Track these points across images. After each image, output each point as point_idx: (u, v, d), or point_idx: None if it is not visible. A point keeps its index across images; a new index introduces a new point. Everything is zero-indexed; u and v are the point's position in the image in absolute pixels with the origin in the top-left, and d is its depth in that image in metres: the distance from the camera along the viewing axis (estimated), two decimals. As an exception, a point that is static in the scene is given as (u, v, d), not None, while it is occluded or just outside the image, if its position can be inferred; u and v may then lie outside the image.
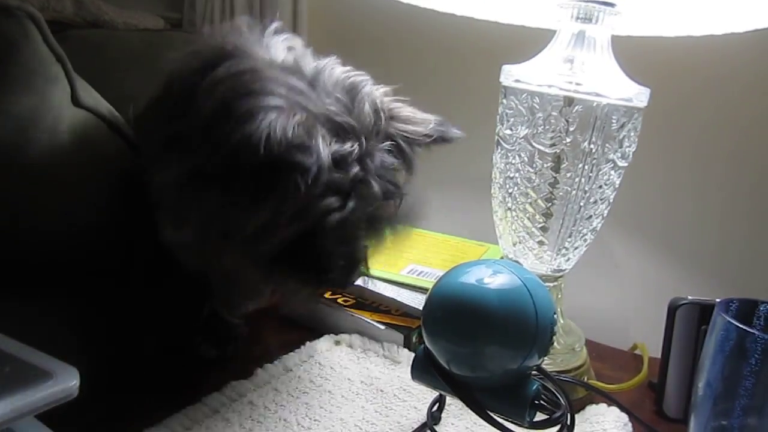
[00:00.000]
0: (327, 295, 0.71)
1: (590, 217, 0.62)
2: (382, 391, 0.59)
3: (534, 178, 0.60)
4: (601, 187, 0.61)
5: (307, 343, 0.65)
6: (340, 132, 0.43)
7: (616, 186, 0.62)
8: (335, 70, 0.47)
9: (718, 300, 0.45)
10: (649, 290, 0.88)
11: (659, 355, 0.63)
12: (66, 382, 0.36)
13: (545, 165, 0.60)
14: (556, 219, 0.61)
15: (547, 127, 0.58)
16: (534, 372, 0.46)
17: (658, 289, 0.83)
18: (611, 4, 0.59)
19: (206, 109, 0.43)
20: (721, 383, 0.42)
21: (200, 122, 0.43)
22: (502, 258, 0.69)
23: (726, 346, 0.42)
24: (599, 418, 0.57)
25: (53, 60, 0.51)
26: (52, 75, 0.51)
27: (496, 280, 0.45)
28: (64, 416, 0.36)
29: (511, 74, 0.61)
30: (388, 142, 0.47)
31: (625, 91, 0.58)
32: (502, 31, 0.74)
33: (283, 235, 0.44)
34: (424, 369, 0.48)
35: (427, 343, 0.47)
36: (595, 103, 0.57)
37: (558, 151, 0.59)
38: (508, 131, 0.61)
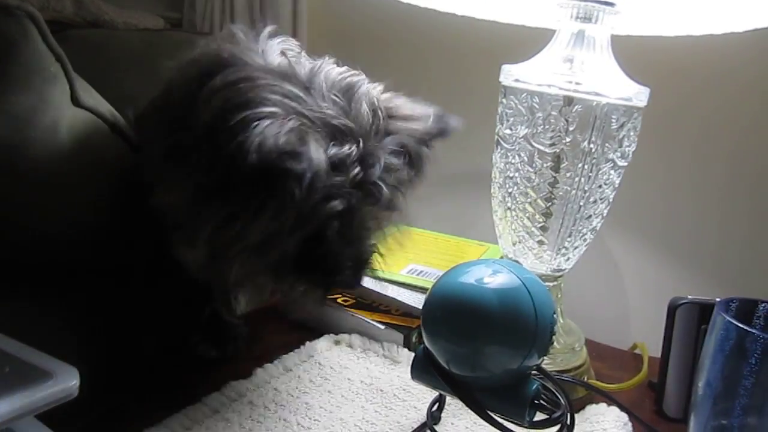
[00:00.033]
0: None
1: (590, 216, 0.62)
2: (382, 390, 0.59)
3: (534, 177, 0.60)
4: (600, 186, 0.61)
5: (307, 343, 0.65)
6: (337, 135, 0.43)
7: (616, 185, 0.62)
8: (331, 71, 0.47)
9: (718, 299, 0.45)
10: (649, 290, 0.88)
11: (659, 355, 0.63)
12: (66, 382, 0.36)
13: (545, 164, 0.60)
14: (555, 218, 0.61)
15: (547, 126, 0.58)
16: (534, 372, 0.46)
17: (658, 289, 0.83)
18: (611, 4, 0.59)
19: (203, 121, 0.43)
20: (721, 383, 0.42)
21: (198, 134, 0.43)
22: (501, 258, 0.69)
23: (726, 346, 0.42)
24: (599, 418, 0.57)
25: (52, 60, 0.51)
26: (51, 75, 0.51)
27: (495, 279, 0.45)
28: (64, 416, 0.36)
29: (510, 74, 0.61)
30: (391, 139, 0.47)
31: (625, 91, 0.58)
32: (502, 30, 0.74)
33: (288, 242, 0.44)
34: (424, 369, 0.48)
35: (426, 343, 0.47)
36: (594, 103, 0.57)
37: (558, 150, 0.59)
38: (508, 131, 0.61)
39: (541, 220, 0.62)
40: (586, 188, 0.60)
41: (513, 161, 0.62)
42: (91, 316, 0.54)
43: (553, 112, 0.58)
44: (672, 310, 0.62)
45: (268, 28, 0.51)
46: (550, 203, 0.61)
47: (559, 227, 0.61)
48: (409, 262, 0.79)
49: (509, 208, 0.63)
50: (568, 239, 0.62)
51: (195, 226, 0.45)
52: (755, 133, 0.80)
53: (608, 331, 0.80)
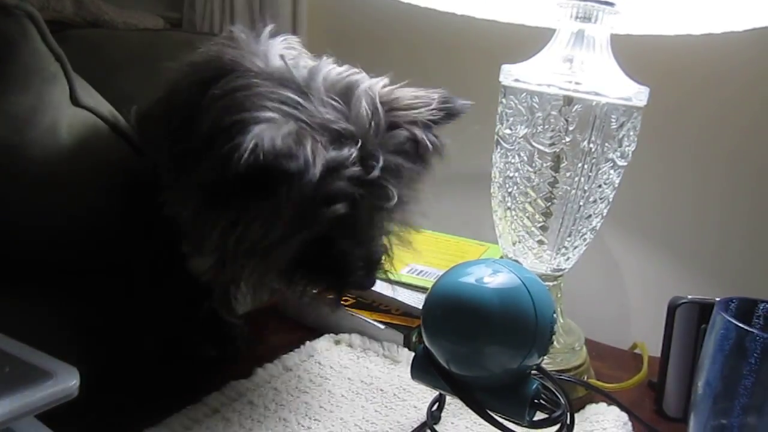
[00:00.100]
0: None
1: (590, 216, 0.62)
2: (381, 390, 0.59)
3: (533, 177, 0.60)
4: (600, 186, 0.61)
5: (307, 342, 0.65)
6: (337, 138, 0.43)
7: (616, 185, 0.62)
8: (330, 72, 0.47)
9: (717, 299, 0.45)
10: (649, 289, 0.88)
11: (659, 354, 0.63)
12: (66, 382, 0.36)
13: (545, 164, 0.60)
14: (555, 218, 0.61)
15: (547, 126, 0.58)
16: (534, 371, 0.46)
17: (657, 289, 0.83)
18: (610, 4, 0.59)
19: (204, 130, 0.44)
20: (720, 382, 0.42)
21: (201, 144, 0.44)
22: (501, 257, 0.69)
23: (725, 345, 0.42)
24: (599, 417, 0.57)
25: (52, 59, 0.51)
26: (50, 74, 0.51)
27: (495, 279, 0.45)
28: (64, 416, 0.36)
29: (510, 73, 0.61)
30: (393, 134, 0.46)
31: (625, 90, 0.58)
32: (501, 30, 0.74)
33: (293, 245, 0.44)
34: (424, 368, 0.48)
35: (426, 343, 0.47)
36: (594, 102, 0.57)
37: (557, 150, 0.59)
38: (508, 131, 0.61)
39: (541, 219, 0.62)
40: (585, 188, 0.60)
41: (513, 161, 0.62)
42: (91, 316, 0.54)
43: (553, 112, 0.58)
44: (672, 309, 0.62)
45: (269, 28, 0.51)
46: (549, 203, 0.61)
47: (558, 227, 0.61)
48: (408, 262, 0.79)
49: (509, 208, 0.63)
50: (568, 239, 0.62)
51: (203, 234, 0.46)
52: (755, 133, 0.80)
53: (608, 330, 0.80)
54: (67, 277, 0.53)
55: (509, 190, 0.63)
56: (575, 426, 0.47)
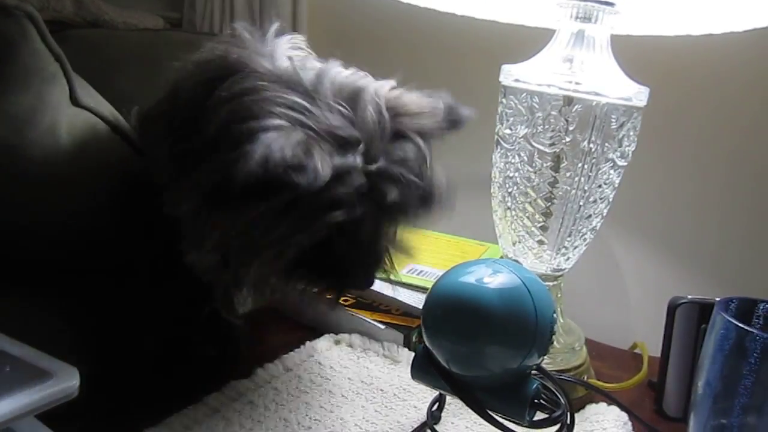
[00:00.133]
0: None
1: (590, 216, 0.62)
2: (382, 390, 0.59)
3: (533, 177, 0.60)
4: (600, 186, 0.61)
5: (307, 342, 0.65)
6: (342, 145, 0.43)
7: (616, 185, 0.63)
8: (337, 76, 0.47)
9: (717, 299, 0.45)
10: (649, 289, 0.88)
11: (659, 354, 0.63)
12: (66, 382, 0.36)
13: (545, 164, 0.60)
14: (555, 218, 0.61)
15: (547, 126, 0.58)
16: (534, 371, 0.46)
17: (657, 288, 0.83)
18: (610, 4, 0.59)
19: (210, 132, 0.44)
20: (720, 382, 0.42)
21: (205, 145, 0.44)
22: (501, 257, 0.69)
23: (725, 345, 0.42)
24: (599, 417, 0.57)
25: (51, 59, 0.51)
26: (50, 74, 0.51)
27: (495, 279, 0.45)
28: (64, 416, 0.36)
29: (510, 74, 0.61)
30: (399, 143, 0.46)
31: (625, 91, 0.58)
32: (501, 30, 0.74)
33: (294, 247, 0.44)
34: (424, 368, 0.48)
35: (426, 343, 0.47)
36: (594, 103, 0.57)
37: (557, 150, 0.59)
38: (508, 131, 0.61)
39: (541, 219, 0.62)
40: (585, 188, 0.60)
41: (513, 161, 0.62)
42: (91, 316, 0.54)
43: (553, 112, 0.58)
44: (672, 309, 0.62)
45: (274, 27, 0.50)
46: (549, 203, 0.61)
47: (558, 227, 0.61)
48: (409, 262, 0.79)
49: (509, 208, 0.63)
50: (568, 239, 0.62)
51: (203, 234, 0.46)
52: (755, 133, 0.80)
53: (608, 330, 0.80)
54: (67, 277, 0.53)
55: (509, 190, 0.63)
56: (575, 426, 0.47)
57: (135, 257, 0.55)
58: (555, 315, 0.45)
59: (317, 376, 0.60)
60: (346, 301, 0.71)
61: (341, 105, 0.45)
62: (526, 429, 0.45)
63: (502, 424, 0.44)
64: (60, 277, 0.53)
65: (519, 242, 0.64)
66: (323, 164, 0.41)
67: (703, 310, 0.60)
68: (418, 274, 0.77)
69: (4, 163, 0.48)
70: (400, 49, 0.98)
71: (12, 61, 0.49)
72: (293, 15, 1.04)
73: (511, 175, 0.62)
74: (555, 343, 0.59)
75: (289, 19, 1.03)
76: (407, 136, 0.47)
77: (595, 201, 0.61)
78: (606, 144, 0.59)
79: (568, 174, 0.59)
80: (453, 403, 0.55)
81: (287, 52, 0.49)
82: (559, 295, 0.66)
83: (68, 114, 0.52)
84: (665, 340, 0.62)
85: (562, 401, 0.46)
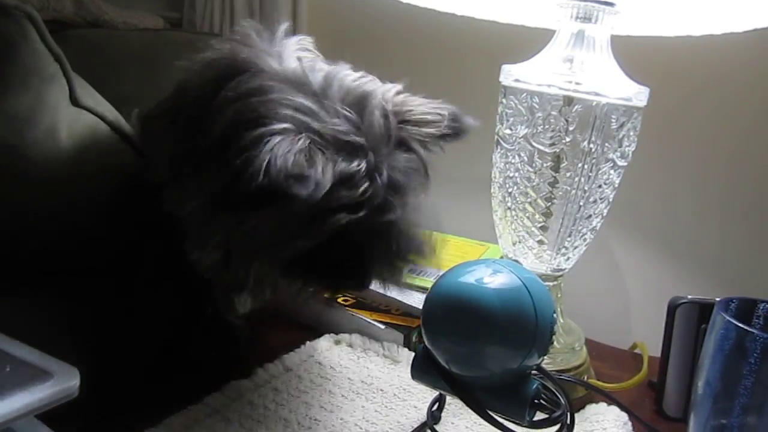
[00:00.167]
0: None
1: (590, 216, 0.62)
2: (382, 390, 0.59)
3: (533, 177, 0.60)
4: (600, 186, 0.61)
5: (307, 342, 0.65)
6: (348, 150, 0.43)
7: (616, 185, 0.63)
8: (345, 79, 0.47)
9: (717, 299, 0.45)
10: (649, 289, 0.88)
11: (659, 354, 0.63)
12: (66, 382, 0.36)
13: (545, 164, 0.60)
14: (555, 218, 0.61)
15: (547, 126, 0.58)
16: (534, 371, 0.46)
17: (657, 288, 0.83)
18: (611, 4, 0.59)
19: (215, 132, 0.44)
20: (720, 382, 0.42)
21: (210, 145, 0.44)
22: (501, 257, 0.69)
23: (725, 345, 0.42)
24: (599, 417, 0.57)
25: (51, 59, 0.51)
26: (49, 74, 0.51)
27: (495, 279, 0.45)
28: (64, 416, 0.36)
29: (510, 74, 0.61)
30: (403, 154, 0.47)
31: (625, 91, 0.58)
32: (502, 30, 0.74)
33: (296, 249, 0.45)
34: (424, 368, 0.48)
35: (426, 343, 0.47)
36: (594, 103, 0.57)
37: (557, 150, 0.59)
38: (508, 131, 0.61)
39: (541, 219, 0.62)
40: (586, 188, 0.60)
41: (513, 161, 0.62)
42: (91, 316, 0.54)
43: (553, 112, 0.58)
44: (672, 309, 0.62)
45: (284, 27, 0.50)
46: (550, 203, 0.61)
47: (559, 227, 0.61)
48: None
49: (509, 208, 0.63)
50: (568, 239, 0.62)
51: (206, 233, 0.46)
52: (755, 133, 0.80)
53: (608, 330, 0.80)
54: (67, 277, 0.53)
55: (509, 190, 0.63)
56: (575, 426, 0.47)
57: (135, 257, 0.55)
58: (555, 315, 0.45)
59: (317, 376, 0.60)
60: (346, 301, 0.71)
61: (348, 110, 0.45)
62: (526, 429, 0.45)
63: (502, 424, 0.44)
64: (60, 277, 0.53)
65: (519, 242, 0.64)
66: (325, 172, 0.41)
67: (703, 310, 0.60)
68: (418, 274, 0.77)
69: (4, 163, 0.48)
70: (400, 49, 0.98)
71: (11, 61, 0.49)
72: (293, 15, 1.04)
73: (511, 175, 0.62)
74: (555, 343, 0.59)
75: (289, 19, 1.03)
76: (411, 146, 0.47)
77: (595, 201, 0.61)
78: (606, 144, 0.59)
79: (568, 174, 0.59)
80: (453, 404, 0.55)
81: (295, 53, 0.49)
82: (559, 295, 0.66)
83: (68, 114, 0.52)
84: (665, 340, 0.62)
85: (562, 401, 0.46)
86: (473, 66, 0.87)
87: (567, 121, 0.58)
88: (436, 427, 0.53)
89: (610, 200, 0.63)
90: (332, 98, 0.45)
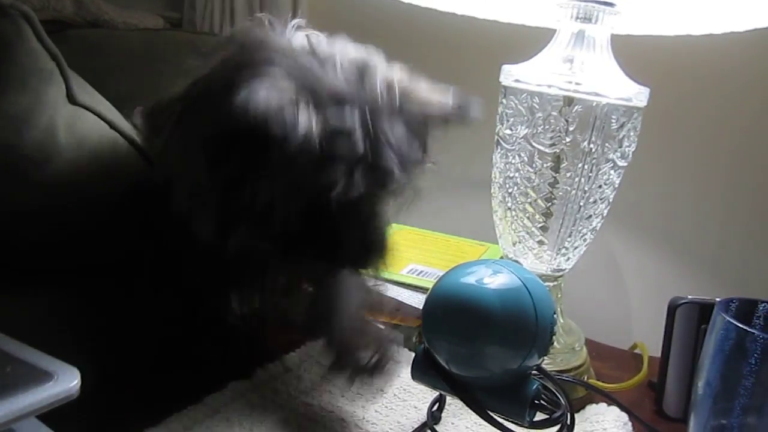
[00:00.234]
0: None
1: (590, 216, 0.62)
2: (382, 390, 0.59)
3: (534, 177, 0.60)
4: (600, 186, 0.61)
5: (307, 342, 0.65)
6: (343, 105, 0.43)
7: (616, 185, 0.63)
8: (347, 47, 0.47)
9: (718, 299, 0.45)
10: (649, 289, 0.88)
11: (659, 355, 0.63)
12: (67, 382, 0.36)
13: (545, 165, 0.60)
14: (555, 219, 0.61)
15: (547, 126, 0.58)
16: (534, 372, 0.46)
17: (658, 289, 0.83)
18: (611, 4, 0.59)
19: (210, 79, 0.44)
20: (720, 382, 0.42)
21: (205, 92, 0.44)
22: (502, 258, 0.69)
23: (726, 346, 0.42)
24: (599, 418, 0.57)
25: (48, 58, 0.51)
26: (47, 73, 0.51)
27: (496, 280, 0.45)
28: (64, 416, 0.36)
29: (510, 74, 0.61)
30: (404, 120, 0.46)
31: (625, 91, 0.58)
32: (502, 30, 0.74)
33: (288, 211, 0.44)
34: (424, 369, 0.48)
35: (427, 343, 0.47)
36: (594, 103, 0.57)
37: (558, 150, 0.59)
38: (508, 131, 0.61)
39: (541, 220, 0.62)
40: (586, 188, 0.60)
41: (513, 161, 0.62)
42: (92, 316, 0.54)
43: (553, 113, 0.58)
44: (672, 310, 0.62)
45: (294, 22, 0.50)
46: (550, 203, 0.61)
47: (559, 227, 0.61)
48: (409, 263, 0.79)
49: (509, 208, 0.63)
50: (568, 239, 0.62)
51: (203, 193, 0.45)
52: (755, 133, 0.80)
53: (608, 331, 0.80)
54: (67, 277, 0.53)
55: (509, 190, 0.63)
56: (575, 426, 0.47)
57: (135, 256, 0.55)
58: (555, 315, 0.45)
59: (317, 376, 0.60)
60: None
61: (349, 71, 0.45)
62: (526, 429, 0.45)
63: (502, 424, 0.44)
64: (60, 277, 0.53)
65: (519, 242, 0.64)
66: (312, 119, 0.41)
67: (704, 311, 0.60)
68: (418, 274, 0.77)
69: (3, 162, 0.48)
70: (400, 49, 0.97)
71: (8, 60, 0.49)
72: (293, 15, 1.04)
73: (511, 175, 0.62)
74: (555, 343, 0.59)
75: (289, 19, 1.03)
76: (413, 118, 0.46)
77: (595, 201, 0.61)
78: (606, 144, 0.59)
79: (568, 174, 0.59)
80: (453, 404, 0.55)
81: (304, 38, 0.49)
82: (559, 296, 0.66)
83: (66, 113, 0.52)
84: (665, 341, 0.62)
85: (562, 402, 0.46)
86: (473, 66, 0.87)
87: (567, 121, 0.58)
88: (436, 428, 0.53)
89: (611, 200, 0.63)
90: (332, 59, 0.45)
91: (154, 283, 0.55)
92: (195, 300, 0.56)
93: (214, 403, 0.53)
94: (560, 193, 0.60)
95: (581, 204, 0.61)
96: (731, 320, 0.42)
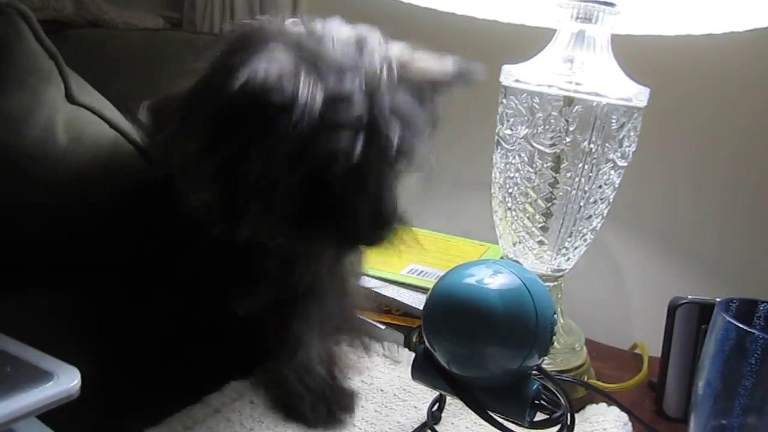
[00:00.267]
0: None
1: (590, 216, 0.62)
2: (382, 390, 0.59)
3: (534, 177, 0.60)
4: (600, 186, 0.61)
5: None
6: (342, 73, 0.43)
7: (616, 186, 0.63)
8: (343, 26, 0.47)
9: (718, 299, 0.45)
10: (649, 289, 0.88)
11: (659, 355, 0.63)
12: (67, 382, 0.36)
13: (545, 165, 0.60)
14: (556, 219, 0.61)
15: (547, 127, 0.58)
16: (534, 372, 0.46)
17: (658, 289, 0.83)
18: (611, 4, 0.59)
19: (211, 69, 0.45)
20: (720, 383, 0.42)
21: (206, 80, 0.45)
22: (502, 258, 0.69)
23: (726, 346, 0.42)
24: (599, 418, 0.57)
25: (46, 58, 0.51)
26: (45, 73, 0.51)
27: (496, 280, 0.45)
28: (64, 416, 0.36)
29: (511, 74, 0.61)
30: (405, 84, 0.46)
31: (625, 91, 0.58)
32: (502, 30, 0.74)
33: (293, 179, 0.43)
34: (424, 369, 0.48)
35: (427, 343, 0.47)
36: (594, 103, 0.57)
37: (558, 151, 0.59)
38: (508, 131, 0.61)
39: (541, 220, 0.62)
40: (586, 188, 0.60)
41: (513, 161, 0.62)
42: (92, 316, 0.54)
43: (554, 113, 0.58)
44: (672, 310, 0.62)
45: (292, 19, 0.51)
46: (550, 203, 0.61)
47: (559, 227, 0.61)
48: (409, 262, 0.79)
49: (509, 208, 0.63)
50: (569, 239, 0.62)
51: (201, 168, 0.45)
52: (755, 133, 0.80)
53: (608, 331, 0.80)
54: (67, 276, 0.53)
55: (510, 190, 0.63)
56: (575, 426, 0.47)
57: (135, 255, 0.55)
58: (555, 315, 0.45)
59: (317, 376, 0.60)
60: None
61: (346, 44, 0.45)
62: (526, 429, 0.45)
63: (502, 424, 0.44)
64: (60, 276, 0.53)
65: (519, 243, 0.64)
66: (312, 86, 0.41)
67: (704, 311, 0.60)
68: (418, 274, 0.77)
69: (2, 162, 0.48)
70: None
71: (6, 60, 0.49)
72: (293, 15, 1.04)
73: (511, 175, 0.62)
74: (555, 343, 0.59)
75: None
76: (414, 82, 0.46)
77: (595, 201, 0.61)
78: (606, 144, 0.59)
79: (568, 174, 0.59)
80: (453, 404, 0.55)
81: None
82: (559, 296, 0.66)
83: (65, 112, 0.52)
84: (665, 341, 0.62)
85: (562, 402, 0.46)
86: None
87: (567, 121, 0.58)
88: (436, 428, 0.53)
89: (611, 201, 0.63)
90: (331, 37, 0.45)
91: (154, 282, 0.55)
92: (195, 300, 0.56)
93: (214, 403, 0.53)
94: (560, 194, 0.60)
95: (581, 204, 0.61)
96: (731, 320, 0.42)
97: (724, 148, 0.82)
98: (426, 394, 0.57)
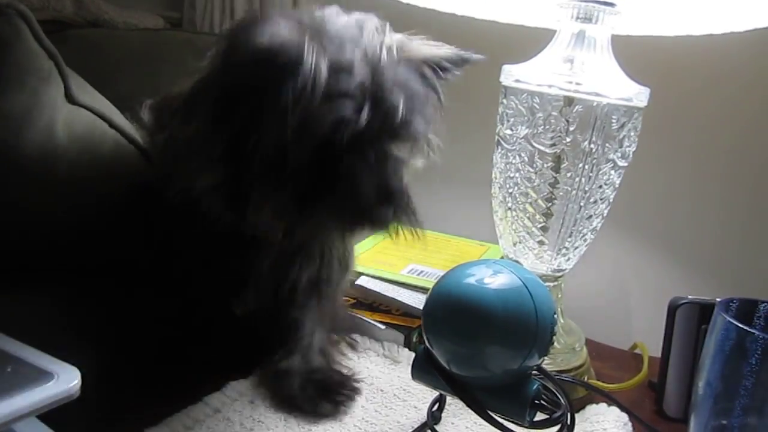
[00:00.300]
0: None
1: (590, 216, 0.62)
2: (382, 390, 0.59)
3: (534, 177, 0.60)
4: (601, 186, 0.61)
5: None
6: (344, 45, 0.44)
7: (616, 186, 0.63)
8: (342, 13, 0.48)
9: (718, 299, 0.45)
10: (649, 290, 0.88)
11: (659, 355, 0.63)
12: (67, 382, 0.36)
13: (545, 165, 0.60)
14: (556, 219, 0.61)
15: (547, 127, 0.58)
16: (534, 372, 0.46)
17: (658, 289, 0.83)
18: (611, 4, 0.59)
19: (212, 63, 0.46)
20: (721, 383, 0.42)
21: (208, 73, 0.46)
22: (502, 258, 0.69)
23: (726, 346, 0.42)
24: (599, 418, 0.57)
25: (46, 58, 0.51)
26: (45, 73, 0.51)
27: (496, 280, 0.45)
28: (64, 416, 0.36)
29: (511, 74, 0.61)
30: (407, 62, 0.47)
31: (625, 91, 0.58)
32: (502, 31, 0.74)
33: (301, 152, 0.43)
34: (425, 369, 0.48)
35: (427, 343, 0.47)
36: (595, 103, 0.57)
37: (558, 151, 0.59)
38: (509, 131, 0.61)
39: (541, 220, 0.62)
40: (586, 188, 0.60)
41: (513, 161, 0.62)
42: (92, 316, 0.54)
43: (554, 113, 0.58)
44: (672, 310, 0.62)
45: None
46: (550, 203, 0.61)
47: (559, 227, 0.61)
48: (409, 262, 0.79)
49: (510, 209, 0.63)
50: (569, 239, 0.62)
51: (209, 147, 0.46)
52: (755, 133, 0.80)
53: (608, 331, 0.80)
54: (67, 276, 0.53)
55: (510, 190, 0.63)
56: (575, 426, 0.47)
57: (135, 255, 0.55)
58: (555, 315, 0.45)
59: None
60: (347, 301, 0.71)
61: (347, 27, 0.46)
62: (526, 429, 0.45)
63: (502, 424, 0.44)
64: (60, 276, 0.53)
65: (519, 243, 0.64)
66: (315, 52, 0.42)
67: (704, 311, 0.60)
68: (418, 274, 0.77)
69: (2, 162, 0.48)
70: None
71: (6, 60, 0.49)
72: (293, 15, 1.04)
73: (511, 175, 0.62)
74: (555, 343, 0.59)
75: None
76: (414, 60, 0.48)
77: (595, 201, 0.61)
78: (606, 144, 0.59)
79: (568, 174, 0.59)
80: (453, 404, 0.55)
81: None
82: (559, 296, 0.66)
83: (64, 112, 0.52)
84: (665, 341, 0.62)
85: (562, 402, 0.46)
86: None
87: (567, 121, 0.58)
88: (436, 428, 0.53)
89: (611, 200, 0.63)
90: (330, 16, 0.46)
91: (154, 282, 0.55)
92: (195, 299, 0.56)
93: (214, 403, 0.53)
94: (561, 194, 0.60)
95: (581, 204, 0.61)
96: (732, 320, 0.41)
97: (724, 148, 0.82)
98: (426, 394, 0.57)
